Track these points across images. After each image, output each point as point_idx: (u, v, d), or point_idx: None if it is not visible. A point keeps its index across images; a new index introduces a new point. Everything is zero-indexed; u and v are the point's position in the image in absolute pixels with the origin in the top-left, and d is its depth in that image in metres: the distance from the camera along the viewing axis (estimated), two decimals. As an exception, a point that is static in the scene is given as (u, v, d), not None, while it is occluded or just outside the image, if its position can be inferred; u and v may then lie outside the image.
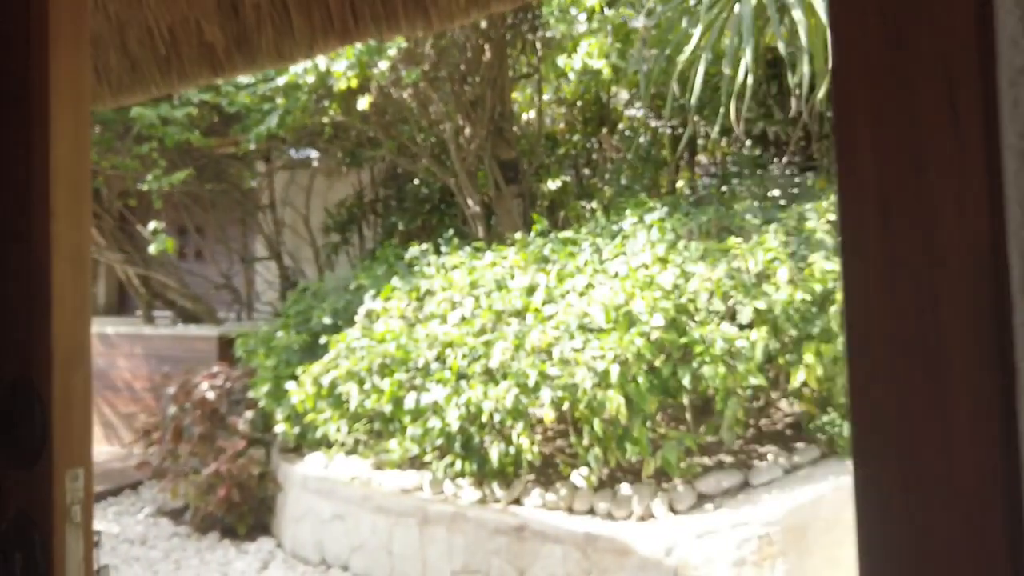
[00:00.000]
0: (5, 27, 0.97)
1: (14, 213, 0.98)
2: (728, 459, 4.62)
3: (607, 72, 5.82)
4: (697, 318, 4.27)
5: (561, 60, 6.27)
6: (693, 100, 4.62)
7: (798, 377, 4.12)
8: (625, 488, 4.41)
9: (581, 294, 4.59)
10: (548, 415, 4.14)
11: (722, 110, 6.18)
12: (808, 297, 4.10)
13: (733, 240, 4.44)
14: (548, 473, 4.81)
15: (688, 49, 4.97)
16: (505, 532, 4.42)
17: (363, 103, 5.91)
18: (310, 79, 5.90)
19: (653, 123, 7.66)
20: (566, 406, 4.20)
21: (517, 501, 4.68)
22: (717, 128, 6.59)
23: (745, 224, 4.84)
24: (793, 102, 4.67)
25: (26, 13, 0.97)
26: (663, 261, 4.47)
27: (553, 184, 8.10)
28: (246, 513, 5.67)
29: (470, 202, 7.17)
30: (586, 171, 8.78)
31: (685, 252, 4.42)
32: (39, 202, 0.96)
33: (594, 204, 8.15)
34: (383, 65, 5.64)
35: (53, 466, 0.95)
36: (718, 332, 4.09)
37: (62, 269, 0.96)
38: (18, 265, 0.98)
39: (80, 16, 0.98)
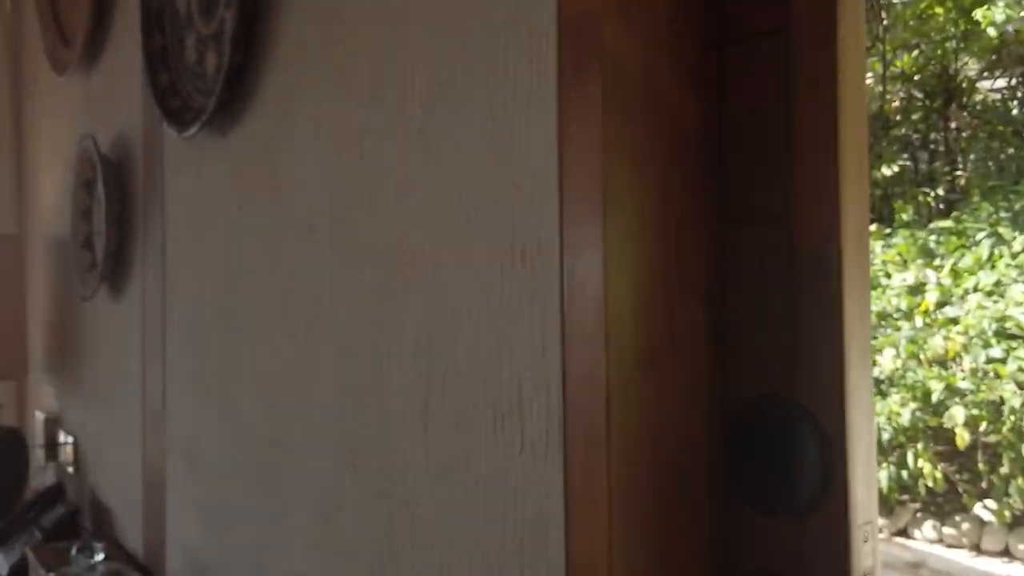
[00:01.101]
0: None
1: (763, 183, 0.76)
2: None
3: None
4: None
5: (979, 14, 5.43)
6: None
7: None
8: (1053, 529, 3.64)
9: (989, 293, 3.87)
10: (962, 436, 3.51)
11: None
12: None
13: None
14: (938, 502, 4.14)
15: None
16: (896, 567, 3.85)
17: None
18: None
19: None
20: (983, 426, 3.53)
21: (903, 532, 4.08)
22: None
23: None
24: None
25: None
26: (1108, 253, 3.63)
27: (888, 170, 7.21)
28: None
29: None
30: (922, 154, 7.75)
31: None
32: (817, 167, 0.72)
33: (940, 191, 7.14)
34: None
35: (847, 521, 0.70)
36: None
37: (848, 255, 0.72)
38: (773, 249, 0.75)
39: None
